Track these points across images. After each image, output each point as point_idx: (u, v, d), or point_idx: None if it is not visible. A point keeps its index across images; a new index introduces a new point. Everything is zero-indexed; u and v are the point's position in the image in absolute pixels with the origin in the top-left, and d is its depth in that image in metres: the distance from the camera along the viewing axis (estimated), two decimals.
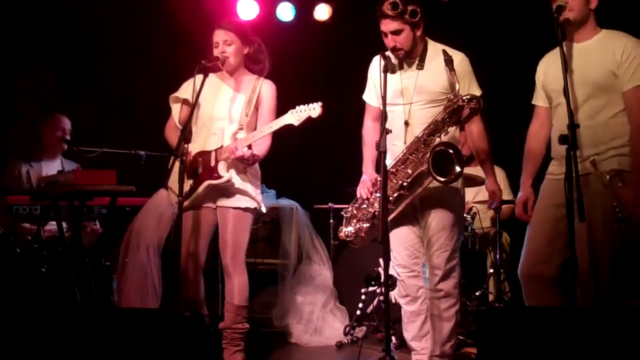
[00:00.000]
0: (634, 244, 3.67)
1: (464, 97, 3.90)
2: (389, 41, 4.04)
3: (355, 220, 4.22)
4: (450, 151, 3.89)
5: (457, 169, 3.90)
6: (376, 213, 4.03)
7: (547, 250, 3.88)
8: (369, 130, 4.33)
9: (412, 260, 4.20)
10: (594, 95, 3.81)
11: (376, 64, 4.20)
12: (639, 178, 3.72)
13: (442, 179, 3.91)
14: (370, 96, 4.32)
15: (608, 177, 3.74)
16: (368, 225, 4.15)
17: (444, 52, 3.97)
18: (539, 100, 4.13)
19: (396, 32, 4.01)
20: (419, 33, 4.06)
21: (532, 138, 4.15)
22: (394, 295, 4.42)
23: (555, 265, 3.84)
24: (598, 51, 3.82)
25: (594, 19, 3.87)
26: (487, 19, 6.92)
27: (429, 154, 3.92)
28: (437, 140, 3.97)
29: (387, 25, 4.02)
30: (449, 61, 3.93)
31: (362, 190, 4.22)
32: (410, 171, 4.00)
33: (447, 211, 4.11)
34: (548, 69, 4.03)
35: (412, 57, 4.10)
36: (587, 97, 3.80)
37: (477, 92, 4.10)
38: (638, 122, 3.75)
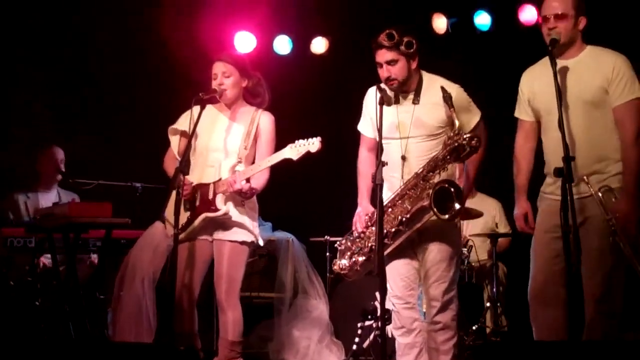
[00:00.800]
0: (630, 258, 3.70)
1: (465, 136, 3.90)
2: (384, 71, 4.05)
3: (349, 253, 4.19)
4: (452, 189, 3.90)
5: (457, 206, 3.90)
6: (372, 247, 4.00)
7: (553, 270, 3.87)
8: (364, 161, 4.32)
9: (408, 292, 4.17)
10: (588, 113, 3.85)
11: (371, 96, 4.20)
12: (630, 192, 3.77)
13: (444, 217, 3.91)
14: (365, 127, 4.32)
15: (600, 194, 3.77)
16: (364, 258, 4.13)
17: (443, 89, 3.97)
18: (522, 114, 4.13)
19: (391, 63, 4.02)
20: (414, 65, 4.07)
21: (519, 152, 4.15)
22: (390, 329, 4.38)
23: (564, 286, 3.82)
24: (588, 68, 3.88)
25: (581, 37, 3.93)
26: (484, 51, 6.98)
27: (430, 191, 3.92)
28: (437, 177, 3.97)
29: (382, 56, 4.04)
30: (447, 98, 3.93)
31: (357, 223, 4.21)
32: (409, 206, 4.00)
33: (445, 244, 4.10)
34: (534, 84, 4.04)
35: (407, 90, 4.12)
36: (581, 115, 3.84)
37: (477, 116, 4.14)
38: (629, 137, 3.81)
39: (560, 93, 3.66)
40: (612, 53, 3.91)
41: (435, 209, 3.90)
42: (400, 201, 4.04)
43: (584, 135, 3.82)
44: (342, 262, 4.22)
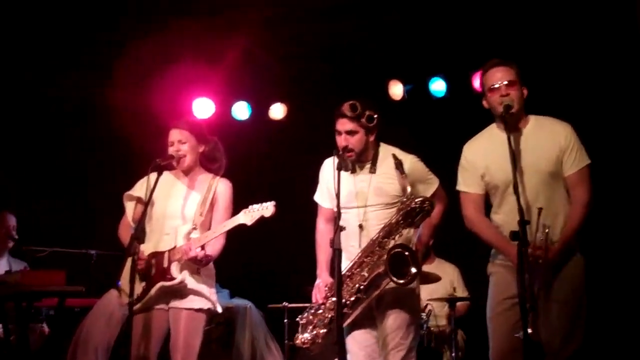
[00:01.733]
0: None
1: (417, 200, 3.96)
2: (341, 140, 4.10)
3: (311, 327, 4.15)
4: (406, 253, 3.92)
5: (413, 270, 3.91)
6: (333, 318, 3.97)
7: (514, 338, 3.83)
8: (322, 233, 4.32)
9: None
10: (547, 183, 3.89)
11: (328, 166, 4.26)
12: (565, 243, 3.82)
13: (400, 281, 3.91)
14: (322, 198, 4.34)
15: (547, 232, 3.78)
16: (325, 330, 4.09)
17: (394, 156, 4.04)
18: (473, 187, 4.04)
19: (350, 133, 4.09)
20: (371, 138, 4.14)
21: (477, 220, 4.04)
22: None
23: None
24: (540, 139, 3.92)
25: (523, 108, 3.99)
26: (439, 117, 7.09)
27: (385, 257, 3.93)
28: (392, 242, 3.98)
29: (342, 125, 4.10)
30: (399, 164, 4.00)
31: (317, 295, 4.18)
32: (366, 274, 4.00)
33: (403, 310, 4.08)
34: (489, 158, 3.99)
35: (363, 160, 4.17)
36: (540, 185, 3.87)
37: (434, 185, 4.20)
38: (582, 199, 3.87)
39: (515, 159, 3.70)
40: (560, 123, 3.98)
41: (391, 275, 3.90)
42: (358, 269, 4.04)
43: (546, 205, 3.81)
44: (304, 336, 4.17)
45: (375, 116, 4.10)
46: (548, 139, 3.93)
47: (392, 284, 3.95)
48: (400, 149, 4.20)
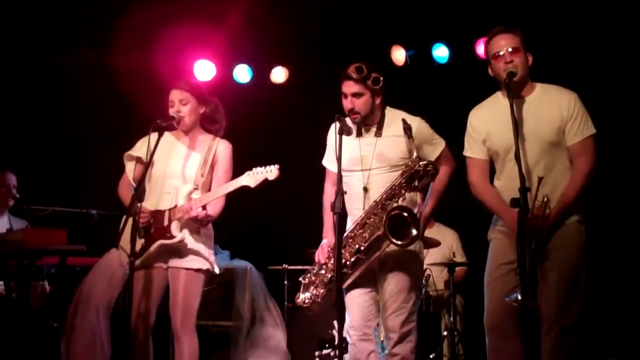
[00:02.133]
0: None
1: (421, 163, 3.96)
2: (347, 103, 4.10)
3: (312, 287, 4.18)
4: (405, 214, 3.93)
5: (414, 232, 3.92)
6: (332, 278, 3.99)
7: (510, 304, 3.86)
8: (329, 196, 4.32)
9: (365, 323, 4.15)
10: (548, 151, 3.90)
11: (334, 130, 4.24)
12: (561, 210, 3.83)
13: (399, 243, 3.93)
14: (330, 162, 4.36)
15: (545, 200, 3.80)
16: (324, 291, 4.12)
17: (403, 120, 4.02)
18: (478, 153, 4.09)
19: (356, 95, 4.08)
20: (377, 101, 4.14)
21: (481, 186, 4.08)
22: (348, 358, 4.36)
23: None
24: (544, 107, 3.92)
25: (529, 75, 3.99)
26: (442, 83, 7.07)
27: (384, 218, 3.93)
28: (395, 204, 3.99)
29: (348, 87, 4.10)
30: (407, 129, 3.99)
31: (319, 255, 4.20)
32: (367, 235, 4.01)
33: (405, 274, 4.11)
34: (489, 125, 4.03)
35: (369, 123, 4.17)
36: (542, 153, 3.89)
37: (440, 147, 4.20)
38: (584, 169, 3.87)
39: (517, 126, 3.70)
40: (565, 91, 3.97)
41: (390, 236, 3.92)
42: (360, 230, 4.06)
43: (546, 173, 3.84)
44: (305, 296, 4.20)
45: (381, 78, 4.10)
46: (551, 107, 3.92)
47: (393, 246, 3.96)
48: (406, 113, 4.19)
